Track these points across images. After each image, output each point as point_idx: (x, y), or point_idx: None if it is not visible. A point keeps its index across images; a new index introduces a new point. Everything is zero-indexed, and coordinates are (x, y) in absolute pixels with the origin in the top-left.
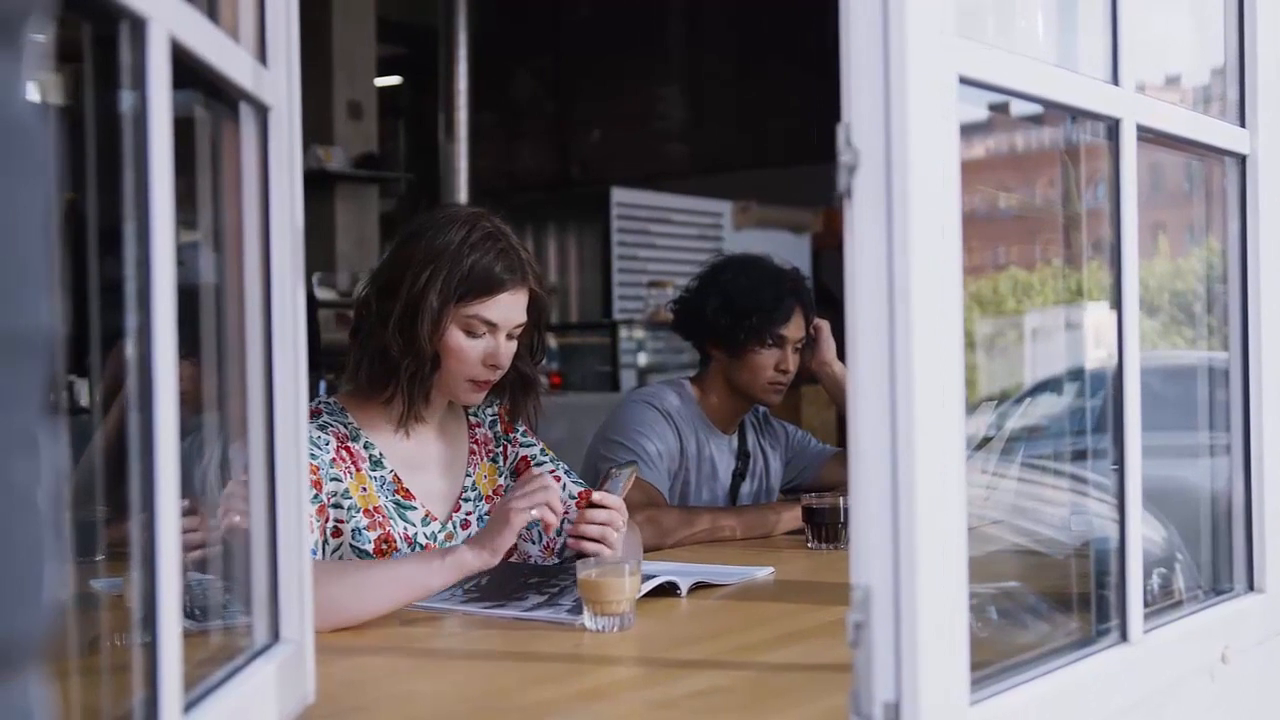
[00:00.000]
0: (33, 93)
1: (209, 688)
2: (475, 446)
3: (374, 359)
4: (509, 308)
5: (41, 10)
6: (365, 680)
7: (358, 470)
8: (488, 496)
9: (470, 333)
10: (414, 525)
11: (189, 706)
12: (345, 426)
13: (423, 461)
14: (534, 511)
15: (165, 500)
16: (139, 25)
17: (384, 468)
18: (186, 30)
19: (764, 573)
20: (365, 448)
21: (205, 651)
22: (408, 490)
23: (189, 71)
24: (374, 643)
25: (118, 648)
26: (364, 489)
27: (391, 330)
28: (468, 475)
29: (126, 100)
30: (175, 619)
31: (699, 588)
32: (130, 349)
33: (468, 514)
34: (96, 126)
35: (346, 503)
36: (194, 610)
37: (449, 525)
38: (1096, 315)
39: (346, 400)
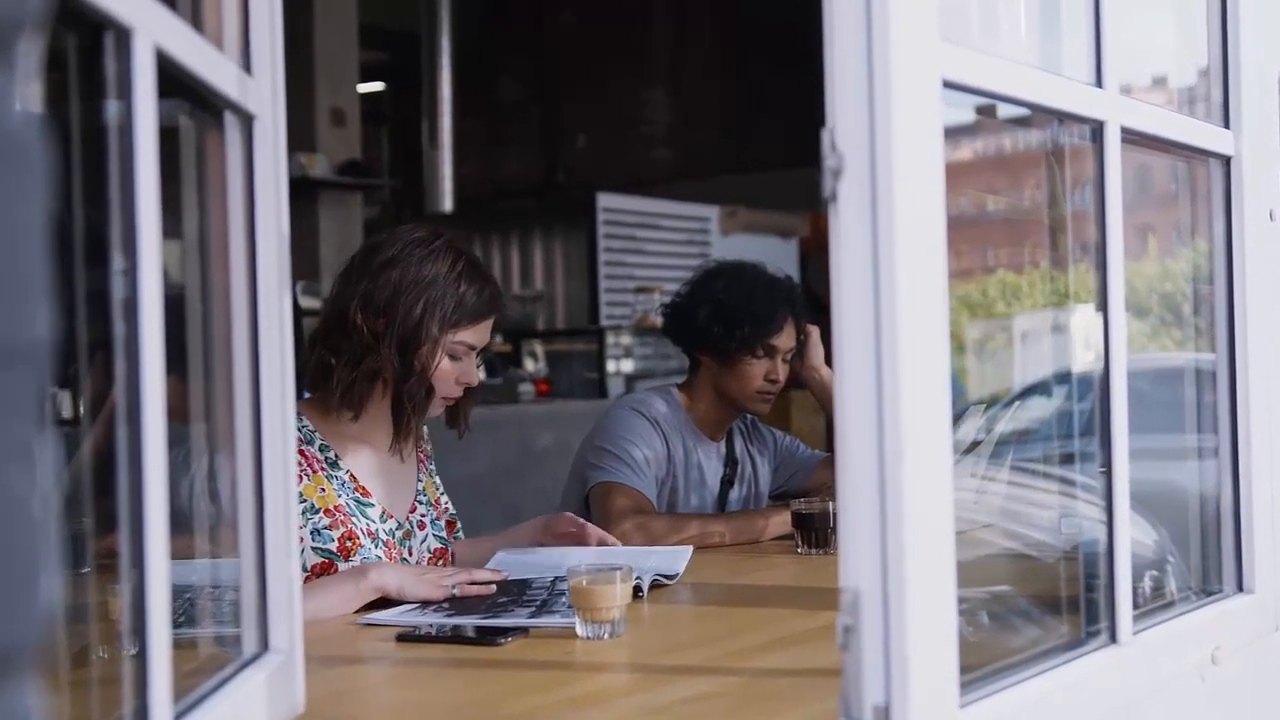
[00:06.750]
0: (27, 104)
1: (199, 697)
2: (423, 457)
3: (364, 379)
4: (488, 332)
5: (35, 22)
6: (355, 690)
7: (314, 472)
8: (434, 503)
9: (453, 357)
10: (374, 522)
11: (178, 716)
12: (300, 430)
13: (378, 467)
14: (453, 590)
15: (154, 511)
16: (124, 35)
17: (341, 469)
18: (171, 40)
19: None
20: (321, 450)
21: (193, 661)
22: (365, 488)
23: (172, 80)
24: (364, 652)
25: (99, 659)
26: (322, 490)
27: (387, 356)
28: (419, 481)
29: (111, 110)
30: (165, 630)
31: (658, 586)
32: (118, 360)
33: (422, 516)
34: (80, 136)
35: (301, 505)
36: (179, 619)
37: (406, 524)
38: (1084, 318)
39: (305, 407)
